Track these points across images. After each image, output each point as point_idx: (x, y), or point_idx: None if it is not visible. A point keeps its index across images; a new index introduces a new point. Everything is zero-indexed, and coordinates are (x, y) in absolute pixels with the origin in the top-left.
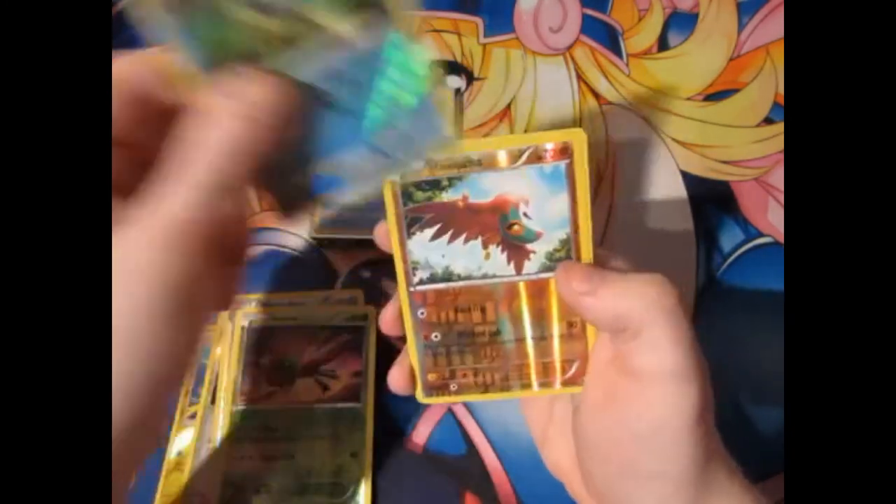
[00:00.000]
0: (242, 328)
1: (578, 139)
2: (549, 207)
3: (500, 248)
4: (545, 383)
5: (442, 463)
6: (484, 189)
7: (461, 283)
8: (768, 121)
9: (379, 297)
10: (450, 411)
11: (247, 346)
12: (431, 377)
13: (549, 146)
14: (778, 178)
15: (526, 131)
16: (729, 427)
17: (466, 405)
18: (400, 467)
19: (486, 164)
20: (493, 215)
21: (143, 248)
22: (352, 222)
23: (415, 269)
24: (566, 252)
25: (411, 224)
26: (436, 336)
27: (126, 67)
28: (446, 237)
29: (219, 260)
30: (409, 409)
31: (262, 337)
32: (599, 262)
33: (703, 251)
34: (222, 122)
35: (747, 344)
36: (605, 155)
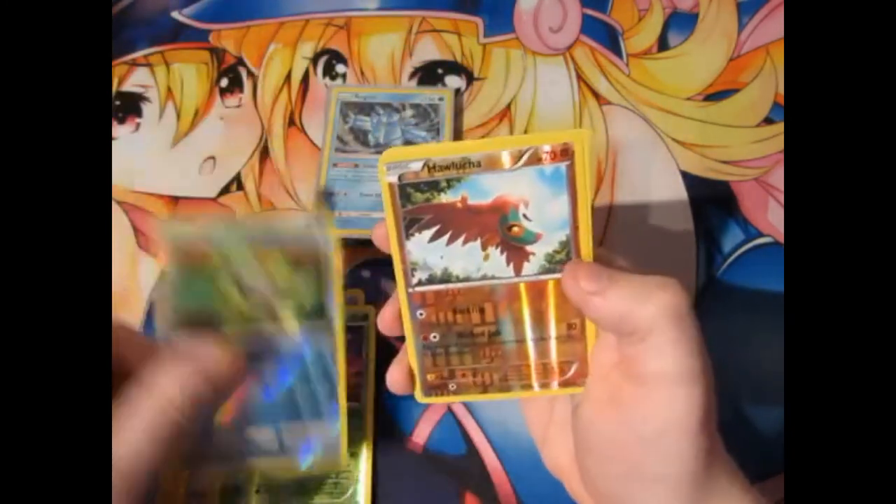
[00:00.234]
0: None
1: (580, 139)
2: (549, 209)
3: (499, 249)
4: (545, 384)
5: (442, 463)
6: (483, 190)
7: (460, 285)
8: (768, 121)
9: (379, 297)
10: (450, 411)
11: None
12: (430, 377)
13: (550, 147)
14: (778, 178)
15: (526, 131)
16: (729, 427)
17: (466, 405)
18: (400, 467)
19: (486, 165)
20: (493, 216)
21: None
22: (352, 222)
23: (413, 270)
24: (566, 254)
25: (410, 225)
26: (434, 337)
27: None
28: (445, 238)
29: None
30: (409, 409)
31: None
32: (602, 263)
33: (703, 251)
34: (183, 372)
35: (747, 344)
36: (605, 155)
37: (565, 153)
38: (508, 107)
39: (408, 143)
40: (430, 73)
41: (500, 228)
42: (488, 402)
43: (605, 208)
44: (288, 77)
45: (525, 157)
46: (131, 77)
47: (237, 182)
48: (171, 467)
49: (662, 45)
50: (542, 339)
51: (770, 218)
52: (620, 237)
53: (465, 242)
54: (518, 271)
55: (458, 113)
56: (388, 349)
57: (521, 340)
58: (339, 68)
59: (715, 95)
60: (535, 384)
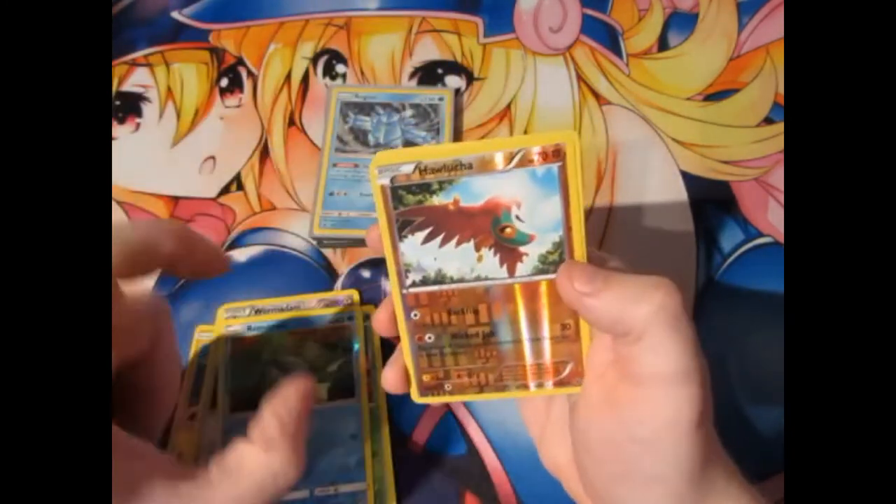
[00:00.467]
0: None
1: (571, 141)
2: (541, 210)
3: (492, 250)
4: (541, 384)
5: (442, 463)
6: (475, 192)
7: (454, 286)
8: (768, 121)
9: (379, 297)
10: (450, 411)
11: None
12: (426, 378)
13: (541, 148)
14: (778, 178)
15: (526, 131)
16: (729, 427)
17: (466, 405)
18: (400, 467)
19: (478, 167)
20: (486, 218)
21: None
22: (352, 222)
23: (407, 271)
24: (559, 255)
25: (403, 227)
26: (429, 337)
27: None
28: (438, 240)
29: None
30: (409, 409)
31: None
32: (596, 264)
33: (703, 251)
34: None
35: (747, 344)
36: (605, 155)
37: (557, 154)
38: (508, 107)
39: (408, 143)
40: (430, 73)
41: (493, 230)
42: (488, 402)
43: (605, 208)
44: (288, 77)
45: (516, 159)
46: (131, 77)
47: (237, 182)
48: None
49: (662, 45)
50: (536, 340)
51: (770, 218)
52: (620, 237)
53: (458, 244)
54: (512, 272)
55: (458, 113)
56: (392, 348)
57: (515, 341)
58: (339, 68)
59: (715, 95)
60: (531, 384)
